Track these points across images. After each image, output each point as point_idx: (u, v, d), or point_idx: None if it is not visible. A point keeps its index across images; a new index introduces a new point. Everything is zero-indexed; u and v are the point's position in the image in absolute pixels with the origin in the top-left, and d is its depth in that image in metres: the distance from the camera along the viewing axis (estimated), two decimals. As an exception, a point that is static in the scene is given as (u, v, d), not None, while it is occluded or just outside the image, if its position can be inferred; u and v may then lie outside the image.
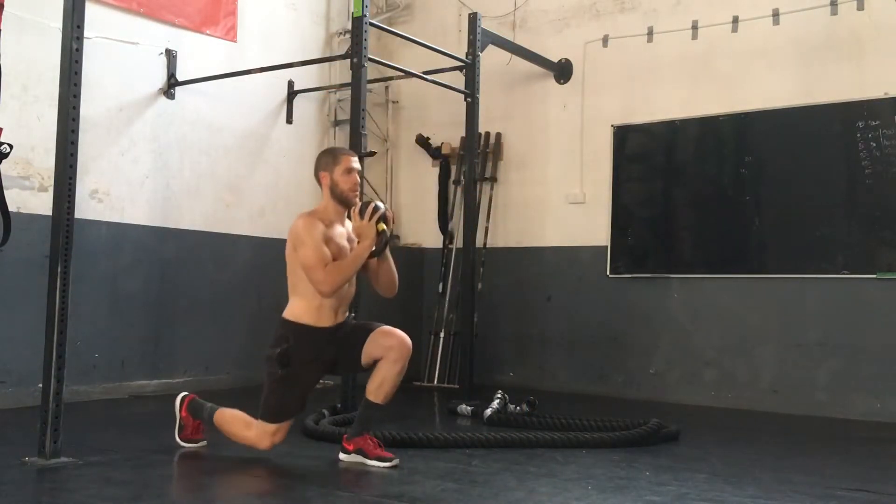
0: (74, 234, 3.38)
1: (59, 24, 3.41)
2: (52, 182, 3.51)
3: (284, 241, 6.83)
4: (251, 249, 6.24)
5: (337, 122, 6.95)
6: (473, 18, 5.72)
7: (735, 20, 5.79)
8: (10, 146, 3.13)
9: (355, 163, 3.59)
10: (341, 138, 6.82)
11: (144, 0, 5.53)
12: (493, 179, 6.85)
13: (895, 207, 5.22)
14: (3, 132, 3.13)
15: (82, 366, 5.00)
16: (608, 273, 6.21)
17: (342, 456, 3.47)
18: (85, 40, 3.42)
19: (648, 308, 6.05)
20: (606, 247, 6.24)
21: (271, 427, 3.42)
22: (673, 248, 6.08)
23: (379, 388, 3.39)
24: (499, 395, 4.78)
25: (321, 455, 3.63)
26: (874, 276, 5.23)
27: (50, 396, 3.27)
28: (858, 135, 5.32)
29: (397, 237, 7.34)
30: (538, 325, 6.53)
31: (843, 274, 5.33)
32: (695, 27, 5.97)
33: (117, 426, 4.40)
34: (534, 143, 6.73)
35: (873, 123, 5.28)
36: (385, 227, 3.43)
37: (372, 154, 4.85)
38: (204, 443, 3.70)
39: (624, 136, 6.27)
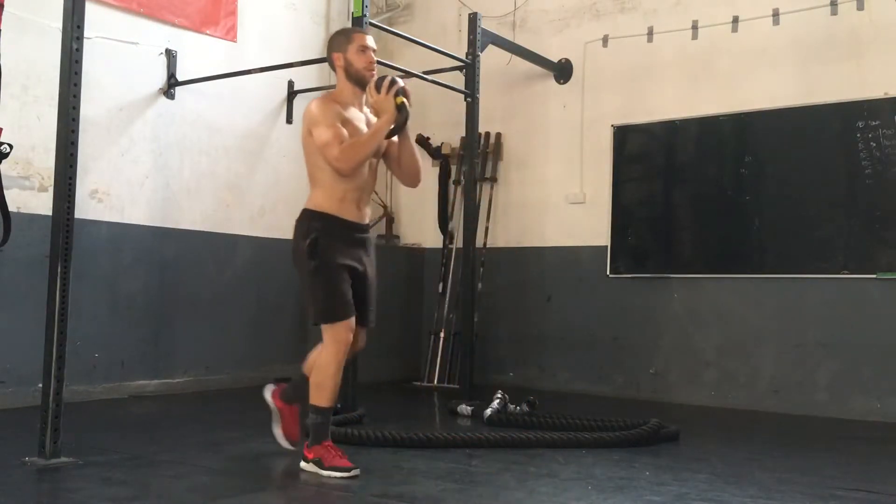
0: (74, 234, 3.38)
1: (59, 24, 3.41)
2: (52, 182, 3.51)
3: (285, 241, 6.84)
4: (251, 249, 6.24)
5: (337, 122, 6.94)
6: (473, 18, 5.72)
7: (735, 20, 5.78)
8: (10, 146, 3.14)
9: (370, 41, 3.43)
10: (341, 138, 6.82)
11: (144, 0, 5.53)
12: (493, 179, 6.85)
13: (895, 207, 5.22)
14: (3, 132, 3.13)
15: (82, 366, 5.00)
16: (608, 273, 6.21)
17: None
18: (85, 40, 3.42)
19: (648, 308, 6.05)
20: (606, 247, 6.24)
21: (337, 326, 3.21)
22: (673, 248, 6.07)
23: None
24: (499, 395, 4.78)
25: (321, 455, 3.63)
26: (874, 276, 5.23)
27: (50, 396, 3.27)
28: (858, 135, 5.32)
29: (397, 237, 7.34)
30: (538, 325, 6.53)
31: (843, 274, 5.33)
32: (695, 27, 5.96)
33: (117, 426, 4.40)
34: (534, 143, 6.73)
35: (873, 123, 5.27)
36: (405, 100, 3.24)
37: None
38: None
39: (624, 136, 6.27)
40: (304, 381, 3.45)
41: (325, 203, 3.31)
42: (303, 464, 3.29)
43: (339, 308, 3.24)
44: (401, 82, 3.28)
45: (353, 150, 3.22)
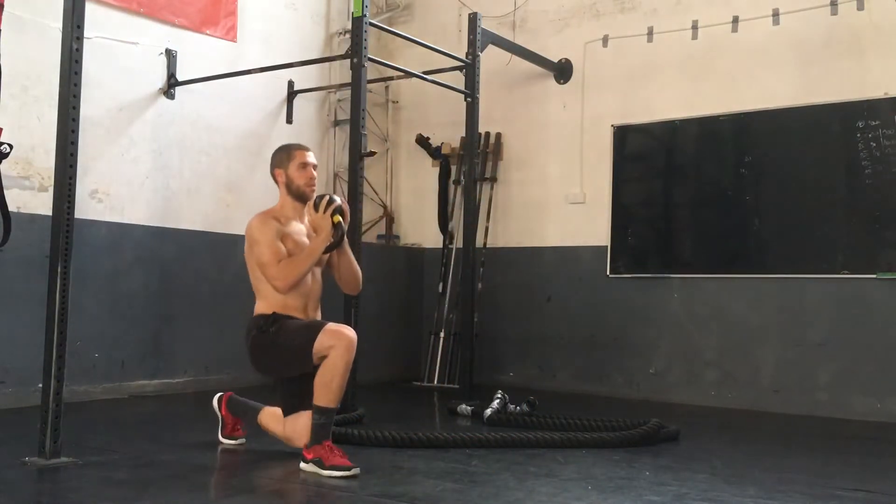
0: (74, 234, 3.38)
1: (59, 24, 3.40)
2: (52, 182, 3.51)
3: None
4: (251, 249, 6.23)
5: (337, 122, 6.96)
6: (473, 18, 5.72)
7: (735, 20, 5.79)
8: (10, 146, 3.14)
9: (310, 157, 3.58)
10: (341, 138, 6.83)
11: (144, 0, 5.53)
12: (493, 179, 6.85)
13: (895, 207, 5.22)
14: (3, 132, 3.13)
15: (82, 366, 5.00)
16: (608, 273, 6.21)
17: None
18: (85, 40, 3.42)
19: (648, 308, 6.05)
20: (606, 247, 6.24)
21: (326, 333, 3.29)
22: (673, 248, 6.07)
23: None
24: (499, 395, 4.78)
25: (321, 455, 3.63)
26: (874, 276, 5.23)
27: (50, 396, 3.26)
28: (858, 135, 5.32)
29: (397, 237, 7.34)
30: (538, 325, 6.53)
31: (843, 274, 5.33)
32: (695, 27, 5.97)
33: (117, 426, 4.40)
34: (534, 143, 6.73)
35: (873, 123, 5.28)
36: (341, 219, 3.41)
37: (372, 154, 4.84)
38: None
39: (624, 136, 6.27)
40: (254, 412, 3.70)
41: (269, 309, 3.49)
42: (302, 464, 3.29)
43: (312, 327, 3.33)
44: (338, 200, 3.43)
45: (288, 269, 3.38)
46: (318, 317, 3.60)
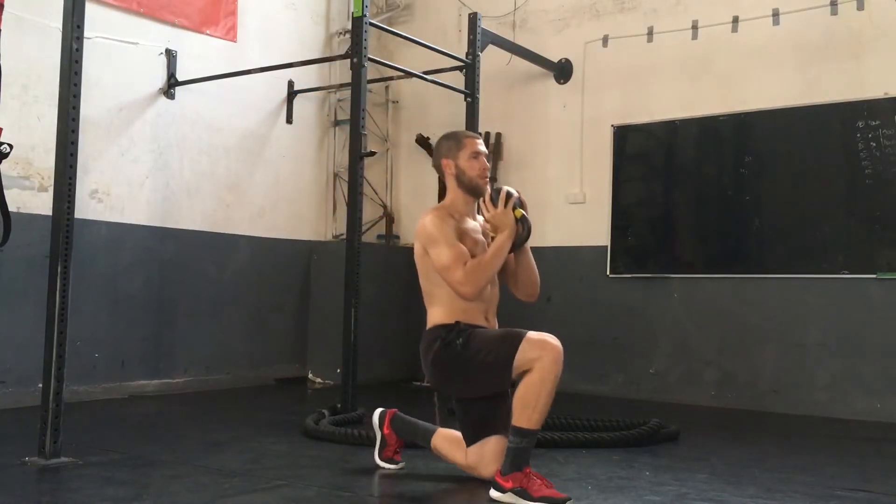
0: (74, 234, 3.38)
1: (59, 24, 3.41)
2: (52, 182, 3.51)
3: (284, 240, 6.82)
4: (251, 249, 6.24)
5: (337, 122, 6.96)
6: (473, 18, 5.71)
7: (735, 20, 5.79)
8: (10, 146, 3.13)
9: (481, 145, 3.21)
10: (341, 138, 6.83)
11: (144, 0, 5.53)
12: (493, 179, 6.84)
13: (895, 207, 5.22)
14: (3, 132, 3.13)
15: (82, 366, 5.00)
16: (608, 273, 6.21)
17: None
18: (85, 40, 3.42)
19: (648, 308, 6.04)
20: (606, 247, 6.23)
21: (529, 341, 2.90)
22: (673, 248, 6.07)
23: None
24: (499, 396, 4.76)
25: (321, 455, 3.64)
26: (874, 276, 5.23)
27: (50, 396, 3.27)
28: (858, 135, 5.32)
29: (397, 237, 7.33)
30: (538, 325, 6.48)
31: (843, 274, 5.32)
32: (695, 27, 5.96)
33: (117, 426, 4.40)
34: (534, 143, 6.73)
35: (873, 123, 5.27)
36: (524, 212, 3.09)
37: (372, 154, 4.84)
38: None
39: (624, 136, 6.27)
40: (426, 433, 3.28)
41: (449, 317, 3.11)
42: (495, 492, 2.86)
43: (509, 338, 2.94)
44: (514, 192, 3.13)
45: (477, 271, 2.99)
46: (496, 324, 3.24)
